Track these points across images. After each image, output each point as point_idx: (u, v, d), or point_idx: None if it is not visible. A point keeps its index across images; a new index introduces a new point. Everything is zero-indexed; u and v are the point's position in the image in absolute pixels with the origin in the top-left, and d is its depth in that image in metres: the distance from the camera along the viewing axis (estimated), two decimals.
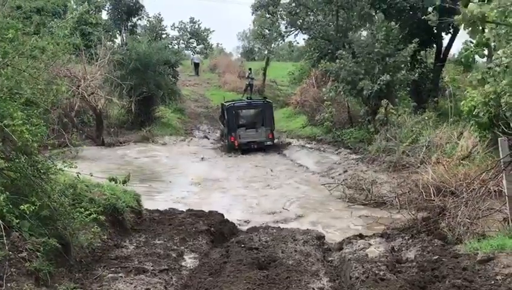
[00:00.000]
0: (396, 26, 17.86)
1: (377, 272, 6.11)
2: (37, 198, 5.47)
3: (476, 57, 10.31)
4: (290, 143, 20.76)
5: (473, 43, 9.25)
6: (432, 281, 5.72)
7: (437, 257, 6.43)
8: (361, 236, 8.23)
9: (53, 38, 7.01)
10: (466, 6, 5.33)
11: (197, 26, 55.04)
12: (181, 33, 54.93)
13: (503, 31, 7.01)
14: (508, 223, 6.98)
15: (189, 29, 55.21)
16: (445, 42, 22.10)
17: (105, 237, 7.14)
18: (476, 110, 10.97)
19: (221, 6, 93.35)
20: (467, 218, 7.36)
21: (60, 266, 5.64)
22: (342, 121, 20.46)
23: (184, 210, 9.70)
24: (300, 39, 35.68)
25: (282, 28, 28.01)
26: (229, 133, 19.75)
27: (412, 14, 19.87)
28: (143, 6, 39.11)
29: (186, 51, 50.07)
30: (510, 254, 5.92)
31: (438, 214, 8.19)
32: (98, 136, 19.65)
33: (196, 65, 39.01)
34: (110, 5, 37.30)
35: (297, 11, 25.43)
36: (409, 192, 10.31)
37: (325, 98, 20.75)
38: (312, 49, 26.41)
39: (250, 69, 32.69)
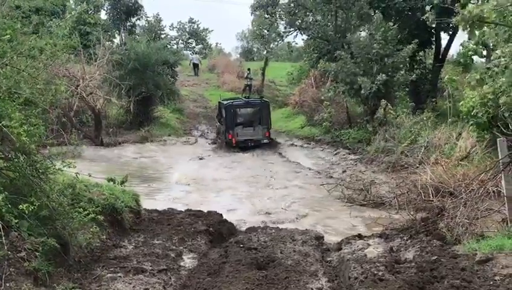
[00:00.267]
0: (395, 26, 17.88)
1: (375, 272, 6.12)
2: (35, 198, 5.46)
3: (475, 57, 10.35)
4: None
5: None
6: (430, 282, 5.72)
7: (436, 257, 6.43)
8: (360, 236, 8.24)
9: (52, 38, 7.00)
10: (464, 7, 5.34)
11: (195, 26, 55.02)
12: (180, 33, 54.90)
13: (502, 31, 7.02)
14: (507, 223, 6.99)
15: (188, 29, 55.17)
16: (444, 43, 22.16)
17: (104, 237, 7.13)
18: (474, 111, 10.99)
19: (220, 7, 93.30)
20: (465, 218, 7.37)
21: (58, 265, 5.63)
22: (341, 121, 20.46)
23: (183, 210, 9.70)
24: (299, 39, 35.61)
25: (281, 28, 28.12)
26: (227, 131, 19.91)
27: (411, 14, 19.87)
28: (142, 6, 38.98)
29: (185, 51, 50.03)
30: (509, 254, 5.93)
31: (437, 215, 8.20)
32: (96, 136, 19.62)
33: (195, 66, 38.91)
34: (109, 5, 37.16)
35: (296, 11, 25.44)
36: (407, 192, 10.31)
37: (323, 98, 20.81)
38: (311, 49, 26.42)
39: (249, 69, 32.64)
